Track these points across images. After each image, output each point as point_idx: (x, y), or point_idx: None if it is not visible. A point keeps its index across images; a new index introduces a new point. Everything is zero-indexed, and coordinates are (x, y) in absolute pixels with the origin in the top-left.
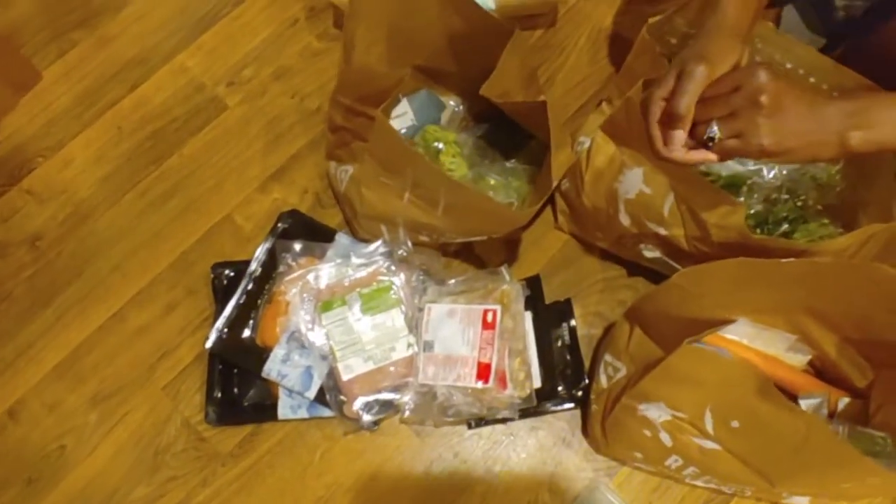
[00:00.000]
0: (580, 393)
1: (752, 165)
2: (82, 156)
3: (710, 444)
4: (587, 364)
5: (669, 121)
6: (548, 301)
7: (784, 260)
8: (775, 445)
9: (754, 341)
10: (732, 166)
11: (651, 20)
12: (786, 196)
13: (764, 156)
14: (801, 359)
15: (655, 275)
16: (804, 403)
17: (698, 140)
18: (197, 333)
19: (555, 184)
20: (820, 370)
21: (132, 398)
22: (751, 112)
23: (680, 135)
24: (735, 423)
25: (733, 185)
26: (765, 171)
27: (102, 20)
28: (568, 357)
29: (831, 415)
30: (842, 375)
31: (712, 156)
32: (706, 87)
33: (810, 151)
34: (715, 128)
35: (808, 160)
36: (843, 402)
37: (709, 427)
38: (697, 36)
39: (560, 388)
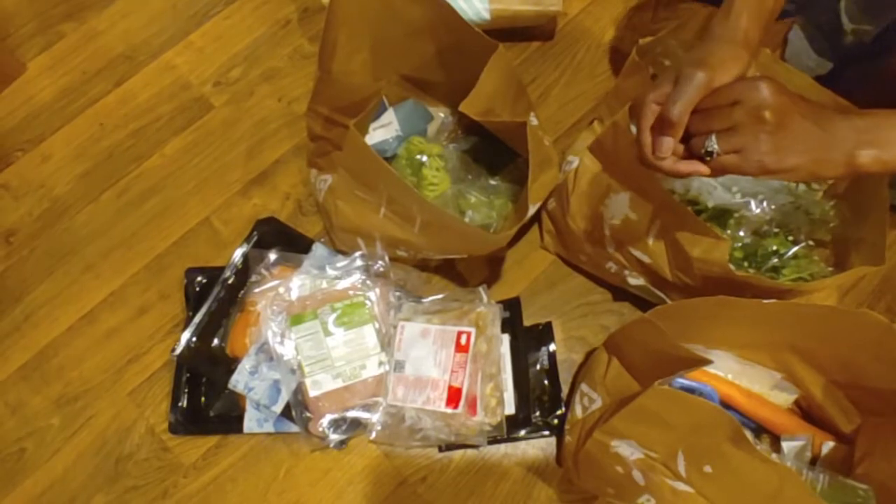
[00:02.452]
0: (556, 421)
1: (739, 198)
2: (62, 151)
3: (682, 487)
4: (566, 390)
5: (661, 127)
6: (529, 323)
7: (766, 301)
8: (747, 494)
9: (739, 378)
10: (720, 196)
11: (642, 41)
12: (776, 230)
13: (763, 173)
14: (786, 398)
15: (641, 301)
16: (787, 445)
17: (695, 153)
18: (167, 339)
19: (532, 209)
20: (806, 411)
21: (97, 402)
22: (753, 127)
23: (670, 142)
24: (707, 468)
25: (720, 217)
26: (753, 205)
27: (91, 14)
28: (546, 382)
29: (815, 459)
30: (827, 418)
31: (704, 168)
32: (705, 96)
33: (814, 169)
34: (713, 141)
35: (811, 179)
36: (828, 446)
37: (681, 469)
38: (702, 41)
39: (535, 415)
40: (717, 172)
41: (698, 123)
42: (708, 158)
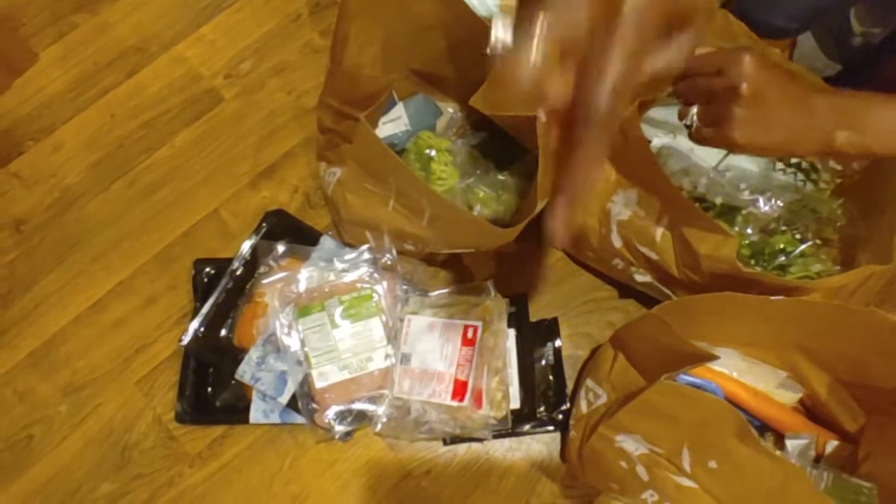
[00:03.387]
0: (561, 416)
1: (747, 195)
2: (73, 141)
3: (686, 482)
4: (570, 386)
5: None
6: (535, 319)
7: (773, 297)
8: (752, 491)
9: (744, 376)
10: (728, 193)
11: None
12: (783, 228)
13: (733, 148)
14: (791, 396)
15: (648, 298)
16: (791, 443)
17: (680, 117)
18: (175, 329)
19: (540, 205)
20: (811, 409)
21: (105, 391)
22: (728, 101)
23: None
24: (712, 464)
25: (728, 215)
26: (761, 202)
27: (103, 5)
28: (551, 378)
29: (818, 457)
30: (832, 417)
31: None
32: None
33: (788, 147)
34: (693, 114)
35: (785, 155)
36: (832, 444)
37: (686, 465)
38: None
39: (540, 410)
40: (695, 142)
41: (683, 89)
42: (687, 128)
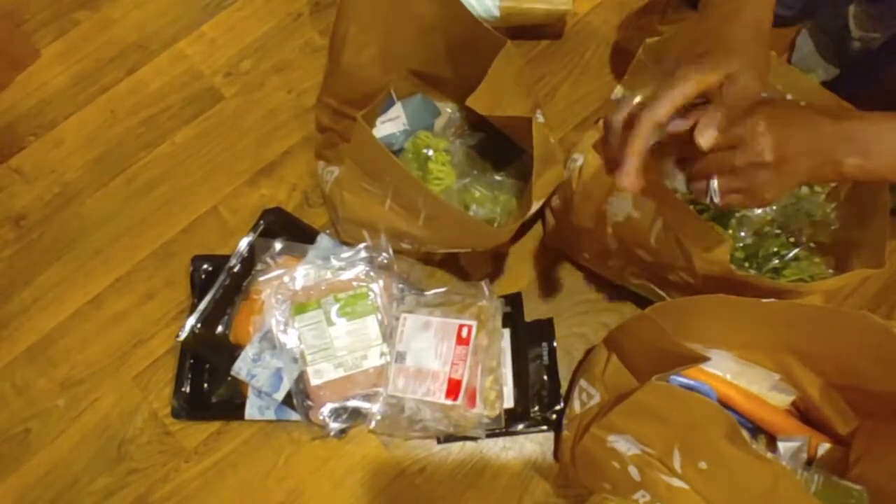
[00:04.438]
0: (554, 416)
1: None
2: (73, 137)
3: (678, 483)
4: (565, 386)
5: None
6: (530, 319)
7: (765, 300)
8: (741, 492)
9: (738, 378)
10: None
11: (649, 41)
12: (777, 231)
13: (768, 205)
14: (784, 399)
15: (643, 300)
16: (783, 446)
17: (695, 196)
18: (172, 325)
19: (535, 206)
20: (804, 412)
21: (102, 386)
22: (755, 171)
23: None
24: (703, 465)
25: (722, 217)
26: None
27: (105, 2)
28: (545, 378)
29: (811, 460)
30: (825, 420)
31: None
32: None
33: (806, 179)
34: (715, 189)
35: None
36: (824, 447)
37: (677, 466)
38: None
39: (534, 410)
40: (720, 210)
41: (699, 169)
42: (711, 202)
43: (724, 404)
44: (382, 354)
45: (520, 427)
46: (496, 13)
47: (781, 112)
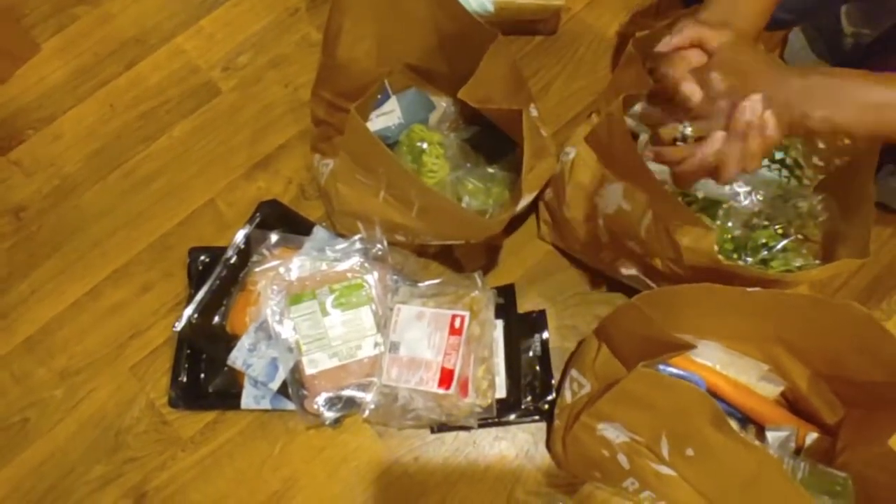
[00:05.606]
0: (546, 406)
1: (728, 189)
2: (73, 131)
3: (665, 470)
4: (557, 377)
5: None
6: (523, 311)
7: (750, 289)
8: (726, 478)
9: (727, 368)
10: (710, 188)
11: (639, 34)
12: (765, 222)
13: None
14: (773, 389)
15: (634, 291)
16: (771, 435)
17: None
18: (169, 316)
19: (526, 198)
20: (792, 402)
21: (99, 376)
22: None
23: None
24: (690, 452)
25: (710, 208)
26: (741, 196)
27: None
28: (537, 368)
29: (799, 449)
30: (812, 410)
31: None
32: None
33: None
34: (688, 130)
35: None
36: (812, 437)
37: (665, 452)
38: None
39: (527, 400)
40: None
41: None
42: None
43: (714, 394)
44: (376, 344)
45: (512, 417)
46: (490, 8)
47: (753, 69)
